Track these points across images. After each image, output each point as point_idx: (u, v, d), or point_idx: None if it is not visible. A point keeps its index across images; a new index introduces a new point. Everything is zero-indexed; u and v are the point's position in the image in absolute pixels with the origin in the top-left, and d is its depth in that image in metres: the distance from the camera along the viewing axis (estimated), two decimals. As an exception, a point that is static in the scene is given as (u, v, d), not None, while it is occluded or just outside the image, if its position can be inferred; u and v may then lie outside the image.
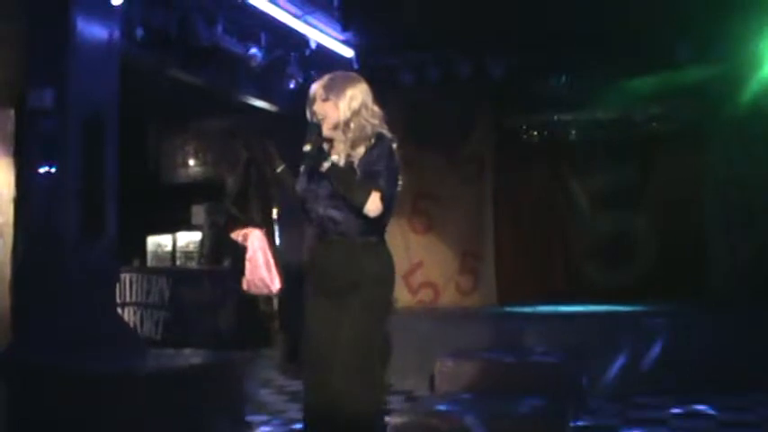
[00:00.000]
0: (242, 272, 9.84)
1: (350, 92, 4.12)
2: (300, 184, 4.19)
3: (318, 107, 4.11)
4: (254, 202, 8.95)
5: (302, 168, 4.20)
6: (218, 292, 11.18)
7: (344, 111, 4.08)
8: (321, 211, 4.09)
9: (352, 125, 4.07)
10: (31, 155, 6.69)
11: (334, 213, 4.05)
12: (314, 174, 4.10)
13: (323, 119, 4.08)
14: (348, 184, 3.99)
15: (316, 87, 4.16)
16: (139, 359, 6.68)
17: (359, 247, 4.05)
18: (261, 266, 9.40)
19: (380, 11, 9.71)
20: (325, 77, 4.19)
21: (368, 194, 3.96)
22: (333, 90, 4.11)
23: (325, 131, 4.08)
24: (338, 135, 4.10)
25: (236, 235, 9.77)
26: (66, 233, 6.56)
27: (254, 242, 9.59)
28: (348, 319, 3.97)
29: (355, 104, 4.10)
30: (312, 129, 4.06)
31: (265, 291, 9.62)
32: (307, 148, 4.01)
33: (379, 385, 4.14)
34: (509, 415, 6.08)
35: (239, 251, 10.16)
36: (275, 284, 9.32)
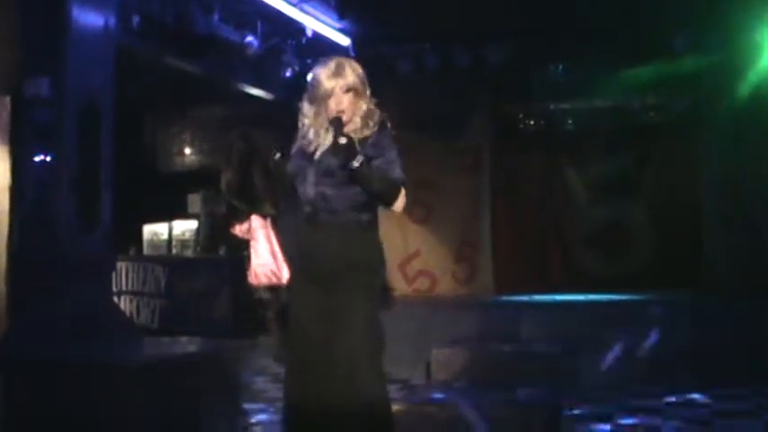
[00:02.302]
0: (247, 263, 9.67)
1: (362, 78, 4.02)
2: (291, 166, 4.11)
3: (339, 99, 3.95)
4: (261, 193, 8.84)
5: (293, 150, 4.12)
6: (214, 281, 11.18)
7: (367, 101, 4.01)
8: (311, 190, 3.99)
9: (370, 114, 4.00)
10: (27, 143, 6.67)
11: (326, 190, 3.95)
12: (307, 154, 4.02)
13: (342, 111, 3.94)
14: (381, 183, 3.90)
15: (333, 80, 3.96)
16: (135, 348, 6.68)
17: (351, 229, 3.96)
18: (267, 256, 9.24)
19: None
20: (331, 65, 4.00)
21: (398, 192, 3.93)
22: (352, 80, 3.96)
23: (347, 123, 3.95)
24: (355, 125, 3.99)
25: (238, 230, 9.63)
26: (62, 222, 6.55)
27: (258, 231, 9.42)
28: (352, 311, 3.87)
29: (368, 92, 4.04)
30: (336, 123, 3.89)
31: (275, 280, 9.42)
32: (343, 140, 3.84)
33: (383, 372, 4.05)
34: (505, 403, 6.09)
35: (236, 240, 10.11)
36: (284, 274, 9.18)
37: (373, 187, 3.91)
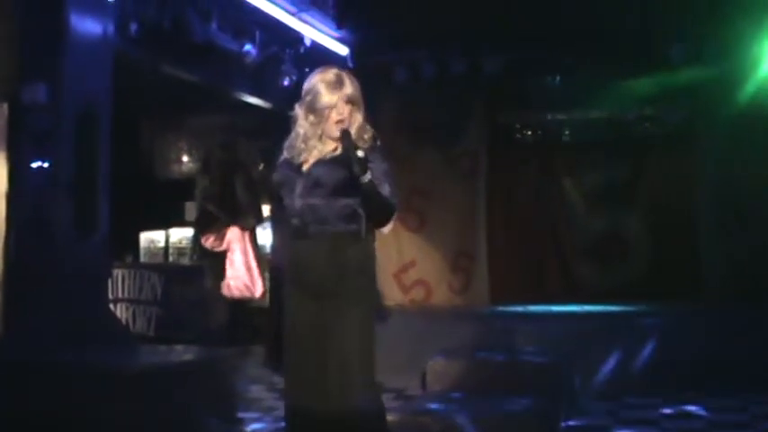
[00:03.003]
0: (221, 275, 9.45)
1: (359, 91, 4.03)
2: (278, 176, 4.08)
3: (340, 110, 3.96)
4: (244, 206, 8.71)
5: (279, 161, 4.10)
6: (211, 289, 11.17)
7: (362, 115, 4.03)
8: (299, 203, 3.96)
9: (364, 128, 4.02)
10: (24, 150, 6.66)
11: (314, 201, 3.93)
12: (294, 165, 4.02)
13: (342, 121, 3.95)
14: (380, 203, 3.91)
15: (335, 91, 3.96)
16: (131, 355, 6.67)
17: (341, 239, 3.94)
18: (242, 269, 9.02)
19: (375, 8, 9.70)
20: (331, 76, 4.00)
21: (392, 215, 3.95)
22: (352, 92, 3.98)
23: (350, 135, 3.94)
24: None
25: (207, 240, 9.43)
26: (59, 228, 6.54)
27: (234, 244, 9.18)
28: (345, 319, 3.86)
29: (363, 106, 4.05)
30: (346, 136, 3.89)
31: (247, 294, 9.21)
32: (361, 153, 3.83)
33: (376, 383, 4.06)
34: (500, 414, 6.07)
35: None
36: (258, 288, 8.97)
37: (375, 204, 3.91)
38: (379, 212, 3.96)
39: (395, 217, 4.00)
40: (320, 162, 3.99)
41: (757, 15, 9.24)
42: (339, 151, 3.97)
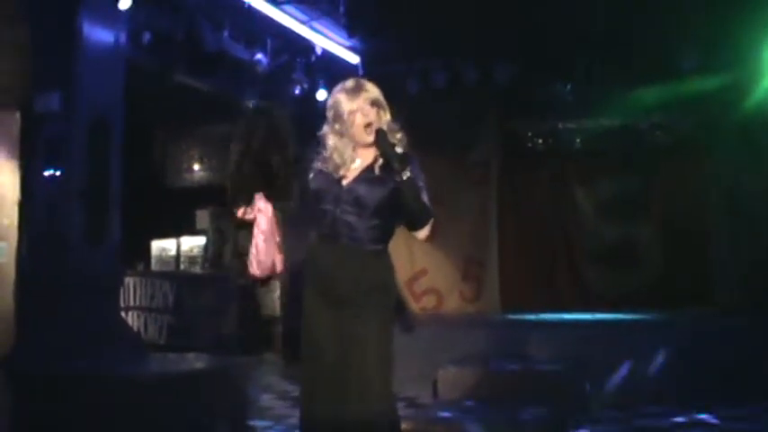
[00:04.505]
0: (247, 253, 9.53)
1: (381, 94, 4.03)
2: (316, 183, 4.03)
3: (366, 112, 3.95)
4: (280, 178, 8.77)
5: (313, 173, 4.07)
6: (222, 297, 11.19)
7: (389, 115, 4.02)
8: (339, 213, 3.93)
9: (392, 127, 4.02)
10: (37, 158, 6.70)
11: (350, 218, 3.92)
12: (333, 179, 4.01)
13: (370, 123, 3.94)
14: (421, 203, 3.88)
15: (358, 96, 3.96)
16: (142, 363, 6.68)
17: (368, 255, 3.94)
18: (269, 240, 9.12)
19: (386, 17, 9.71)
20: (351, 83, 4.02)
21: (430, 218, 3.92)
22: (375, 94, 3.98)
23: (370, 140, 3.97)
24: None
25: (241, 213, 9.53)
26: (71, 236, 6.57)
27: (262, 220, 9.26)
28: (366, 330, 3.85)
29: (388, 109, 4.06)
30: (382, 135, 3.89)
31: (269, 272, 9.28)
32: (400, 150, 3.87)
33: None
34: (511, 423, 6.07)
35: (244, 257, 10.08)
36: (279, 263, 9.10)
37: (416, 204, 3.88)
38: (419, 213, 3.92)
39: (429, 227, 3.95)
40: (362, 180, 3.97)
41: (767, 23, 9.23)
42: (379, 162, 3.95)
